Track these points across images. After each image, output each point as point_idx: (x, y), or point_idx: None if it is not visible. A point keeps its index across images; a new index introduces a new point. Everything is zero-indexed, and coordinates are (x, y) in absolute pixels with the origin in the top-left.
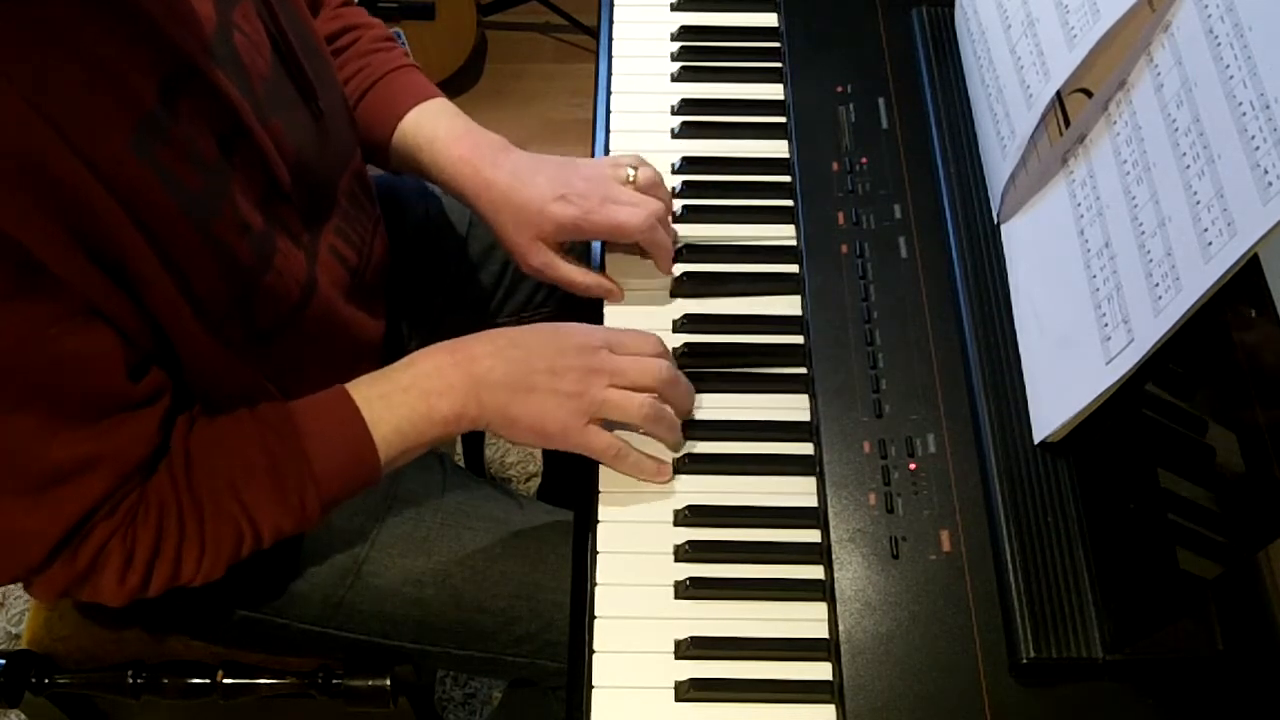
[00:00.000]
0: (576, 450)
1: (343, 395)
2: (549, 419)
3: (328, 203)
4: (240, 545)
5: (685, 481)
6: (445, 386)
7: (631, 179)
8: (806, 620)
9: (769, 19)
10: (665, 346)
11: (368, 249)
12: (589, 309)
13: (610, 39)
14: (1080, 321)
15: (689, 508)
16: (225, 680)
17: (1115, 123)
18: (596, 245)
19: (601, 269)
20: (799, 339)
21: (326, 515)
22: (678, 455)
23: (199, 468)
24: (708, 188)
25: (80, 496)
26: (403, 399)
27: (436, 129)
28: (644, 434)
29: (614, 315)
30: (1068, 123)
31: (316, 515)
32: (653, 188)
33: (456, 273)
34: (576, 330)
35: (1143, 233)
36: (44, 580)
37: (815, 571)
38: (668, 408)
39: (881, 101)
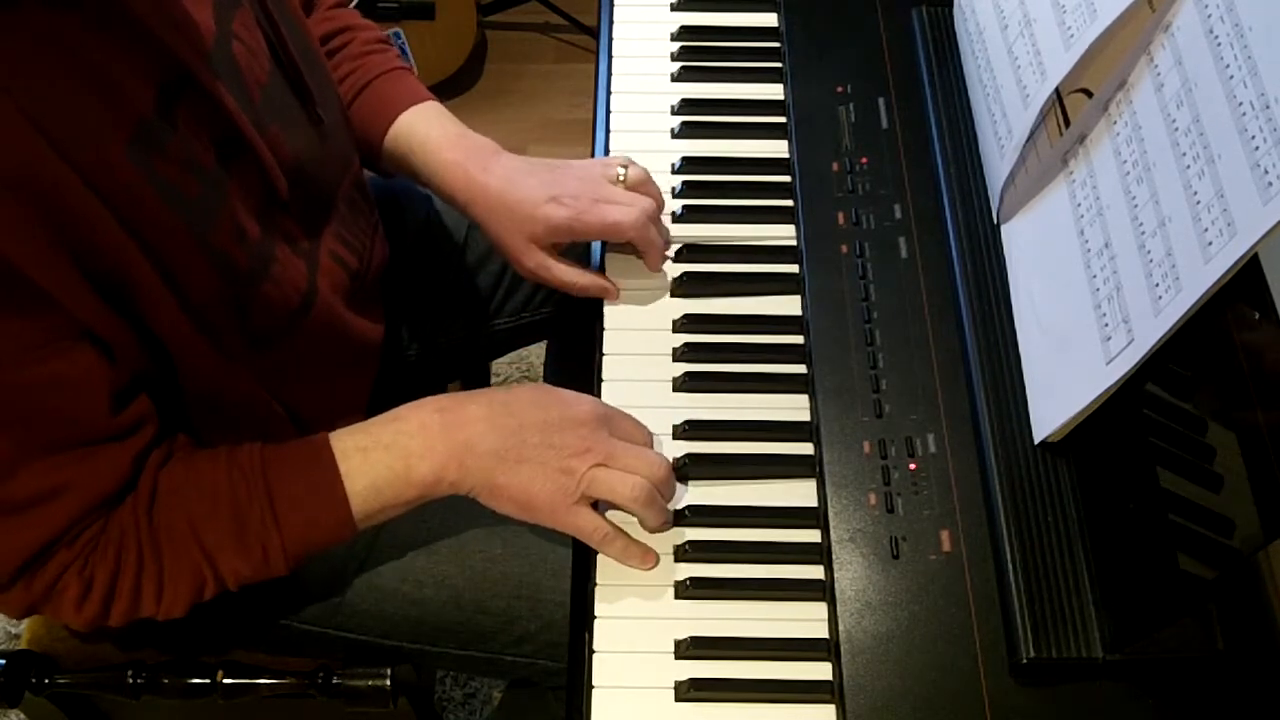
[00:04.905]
0: (561, 529)
1: (322, 445)
2: (536, 493)
3: (327, 209)
4: (201, 587)
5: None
6: (427, 448)
7: (622, 178)
8: (806, 620)
9: (769, 19)
10: (660, 453)
11: (368, 253)
12: (588, 310)
13: (610, 39)
14: (1080, 321)
15: (689, 508)
16: (225, 680)
17: (1115, 123)
18: (596, 245)
19: (601, 269)
20: (799, 339)
21: (298, 565)
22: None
23: (163, 505)
24: (708, 188)
25: (42, 525)
26: (381, 456)
27: (429, 133)
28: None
29: (614, 315)
30: (1068, 123)
31: (282, 565)
32: (642, 185)
33: (456, 275)
34: (575, 403)
35: (1143, 233)
36: (5, 600)
37: (815, 571)
38: (658, 493)
39: (881, 101)
